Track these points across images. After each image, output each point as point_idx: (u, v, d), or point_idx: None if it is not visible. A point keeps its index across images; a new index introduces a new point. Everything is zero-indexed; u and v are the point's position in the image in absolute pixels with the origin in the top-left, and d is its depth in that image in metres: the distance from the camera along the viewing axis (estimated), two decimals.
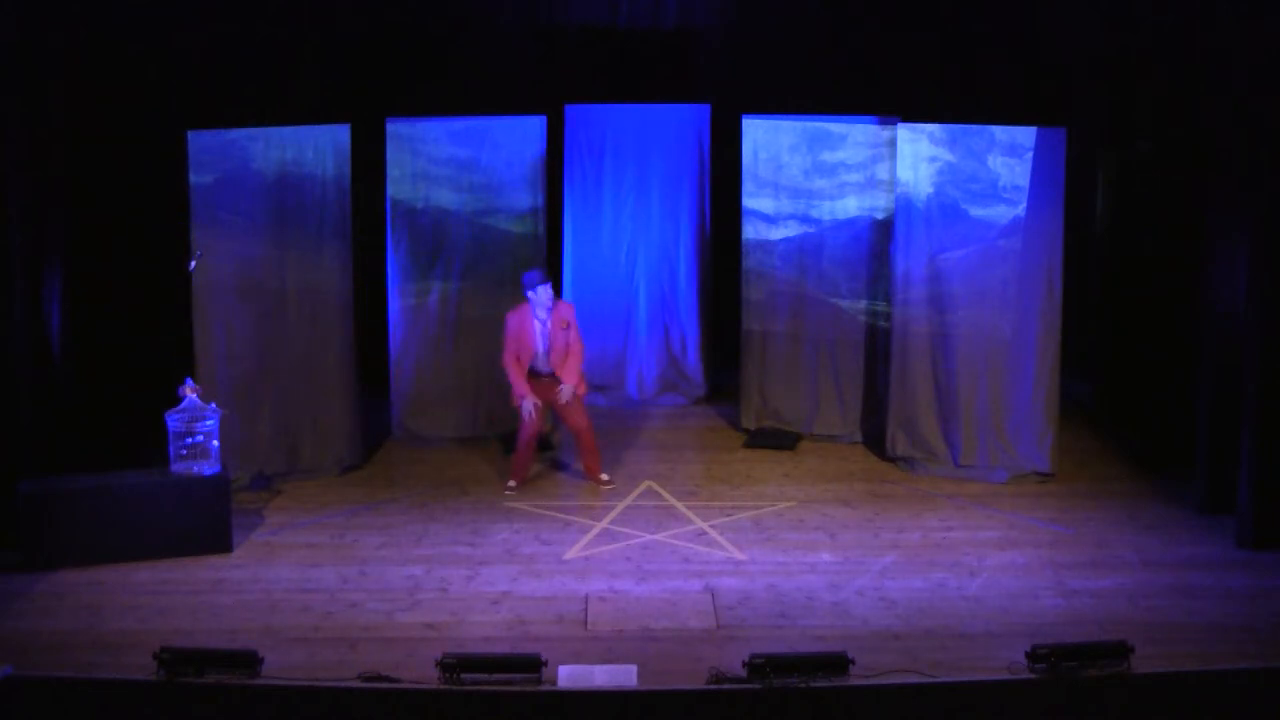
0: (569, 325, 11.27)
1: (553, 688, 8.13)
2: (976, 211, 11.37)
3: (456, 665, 8.18)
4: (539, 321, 11.23)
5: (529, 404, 11.18)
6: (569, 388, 11.20)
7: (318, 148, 11.32)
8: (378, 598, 9.48)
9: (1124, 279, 12.64)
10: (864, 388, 12.30)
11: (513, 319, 11.27)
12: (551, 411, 11.59)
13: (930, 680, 8.28)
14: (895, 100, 12.37)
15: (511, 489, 11.30)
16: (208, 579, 9.75)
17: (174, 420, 10.11)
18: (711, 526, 10.67)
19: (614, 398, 13.38)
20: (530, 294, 11.19)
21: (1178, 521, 10.64)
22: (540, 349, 11.25)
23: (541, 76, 13.63)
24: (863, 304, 12.25)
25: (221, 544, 10.13)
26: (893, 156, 11.71)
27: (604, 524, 10.71)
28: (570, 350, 11.26)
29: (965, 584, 9.66)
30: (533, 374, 11.29)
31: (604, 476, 11.44)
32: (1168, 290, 11.86)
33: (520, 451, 11.37)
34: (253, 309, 11.19)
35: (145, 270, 11.73)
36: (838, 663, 8.22)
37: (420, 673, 8.29)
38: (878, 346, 12.18)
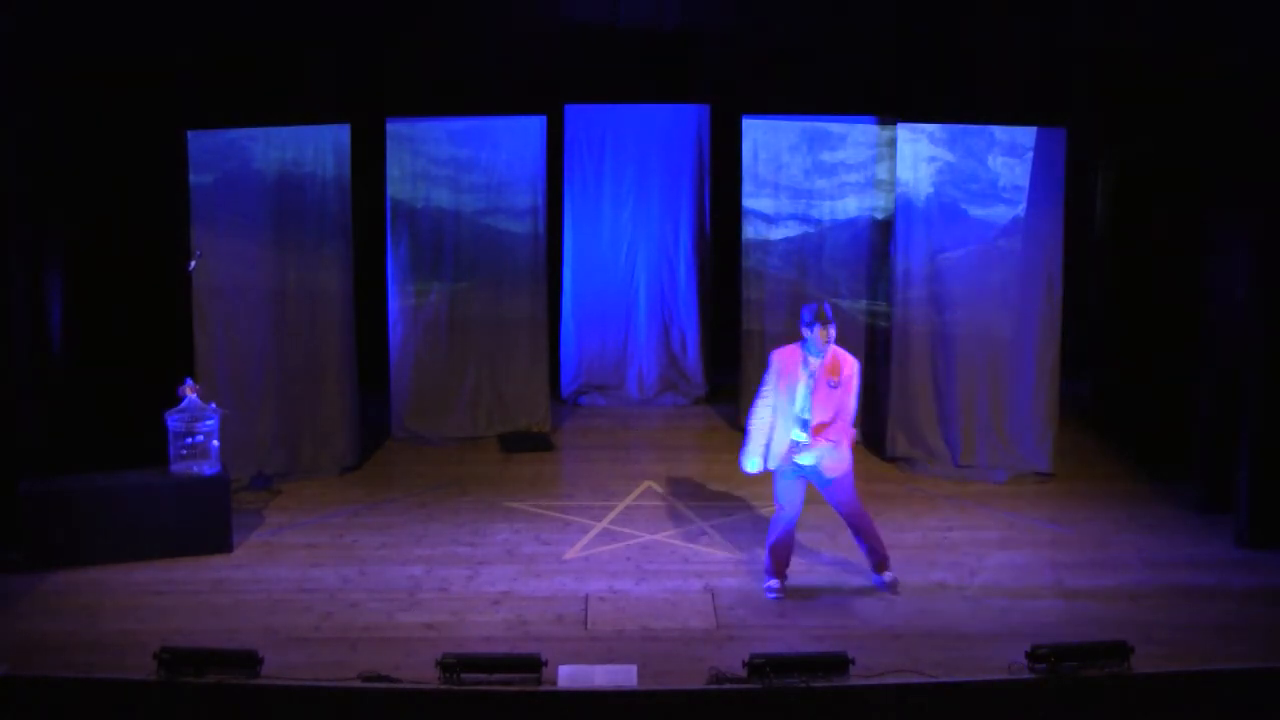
0: (839, 384, 9.18)
1: (553, 688, 8.13)
2: (976, 211, 11.37)
3: (456, 665, 8.18)
4: (805, 370, 9.21)
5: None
6: (824, 444, 9.15)
7: (318, 148, 11.32)
8: (378, 598, 9.48)
9: (1124, 279, 12.63)
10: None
11: (781, 357, 9.27)
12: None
13: (930, 680, 8.28)
14: (895, 100, 12.36)
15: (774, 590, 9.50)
16: (208, 579, 9.75)
17: (174, 420, 10.10)
18: (712, 526, 10.66)
19: (614, 397, 13.38)
20: (804, 331, 9.15)
21: (1178, 521, 10.64)
22: (801, 404, 9.21)
23: (541, 76, 13.61)
24: (863, 304, 12.25)
25: (221, 544, 10.13)
26: (893, 156, 11.71)
27: (604, 524, 10.70)
28: (840, 415, 9.22)
29: (965, 584, 9.66)
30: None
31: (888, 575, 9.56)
32: (1168, 290, 11.85)
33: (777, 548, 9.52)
34: (253, 309, 11.18)
35: (145, 270, 11.72)
36: (838, 663, 8.22)
37: (420, 673, 8.29)
38: (878, 346, 12.18)
